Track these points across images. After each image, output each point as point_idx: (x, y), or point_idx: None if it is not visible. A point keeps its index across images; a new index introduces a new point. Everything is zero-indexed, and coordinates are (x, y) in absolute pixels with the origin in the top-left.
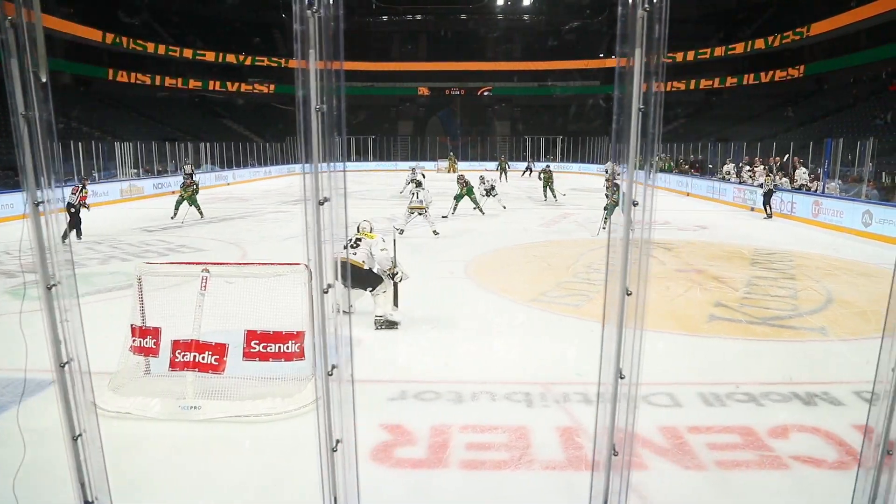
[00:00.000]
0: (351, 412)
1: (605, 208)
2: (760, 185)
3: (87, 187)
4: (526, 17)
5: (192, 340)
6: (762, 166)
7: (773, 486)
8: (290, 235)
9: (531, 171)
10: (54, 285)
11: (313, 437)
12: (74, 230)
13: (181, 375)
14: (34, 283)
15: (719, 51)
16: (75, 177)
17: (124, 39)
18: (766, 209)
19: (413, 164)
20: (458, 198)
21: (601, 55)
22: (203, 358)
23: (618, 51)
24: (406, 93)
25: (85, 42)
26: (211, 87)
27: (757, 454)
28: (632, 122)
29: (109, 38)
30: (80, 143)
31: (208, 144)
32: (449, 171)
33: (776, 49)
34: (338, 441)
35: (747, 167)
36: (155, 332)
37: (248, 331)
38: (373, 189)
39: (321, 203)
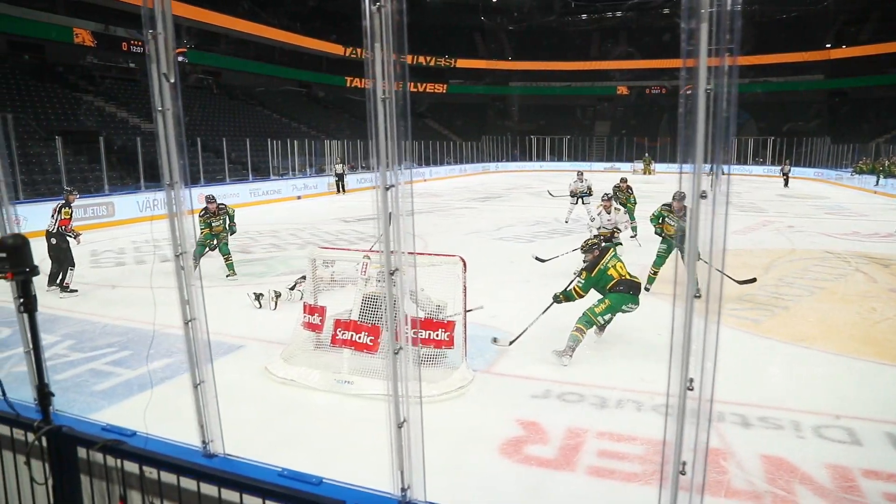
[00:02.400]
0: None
1: None
2: None
3: (72, 206)
4: (737, 7)
5: (350, 321)
6: None
7: None
8: (472, 230)
9: (787, 178)
10: (395, 270)
11: (445, 425)
12: (60, 272)
13: (340, 351)
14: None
15: None
16: (307, 168)
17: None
18: None
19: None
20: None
21: (828, 45)
22: (359, 338)
23: None
24: (604, 92)
25: (316, 53)
26: (413, 89)
27: None
28: None
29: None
30: (294, 141)
31: (408, 142)
32: (644, 174)
33: None
34: (684, 463)
35: None
36: (321, 311)
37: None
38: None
39: (702, 196)
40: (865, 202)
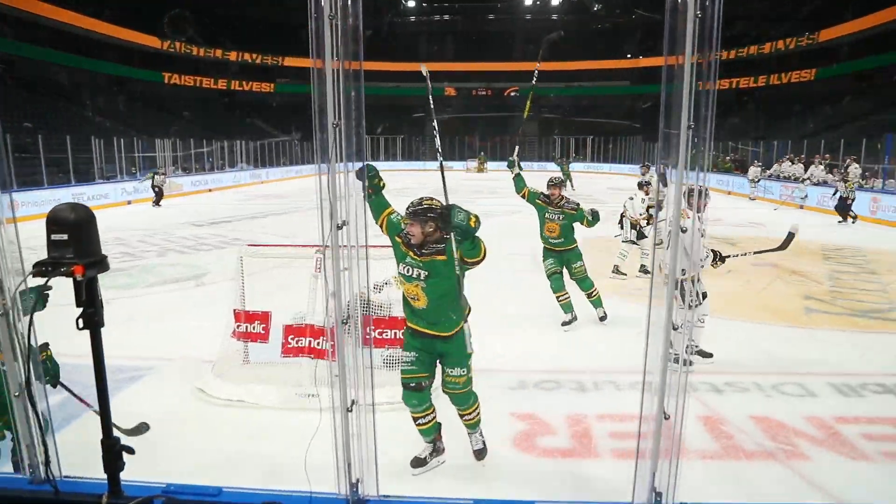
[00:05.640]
0: None
1: None
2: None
3: None
4: (554, 16)
5: (306, 325)
6: (821, 165)
7: None
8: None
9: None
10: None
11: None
12: None
13: (287, 363)
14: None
15: (753, 49)
16: (120, 174)
17: (158, 41)
18: (844, 215)
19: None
20: None
21: (628, 55)
22: (319, 343)
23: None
24: (433, 93)
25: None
26: (238, 87)
27: None
28: None
29: (148, 40)
30: (121, 140)
31: (242, 143)
32: (478, 172)
33: (809, 48)
34: None
35: (789, 162)
36: (264, 317)
37: (364, 315)
38: (409, 187)
39: None
40: None
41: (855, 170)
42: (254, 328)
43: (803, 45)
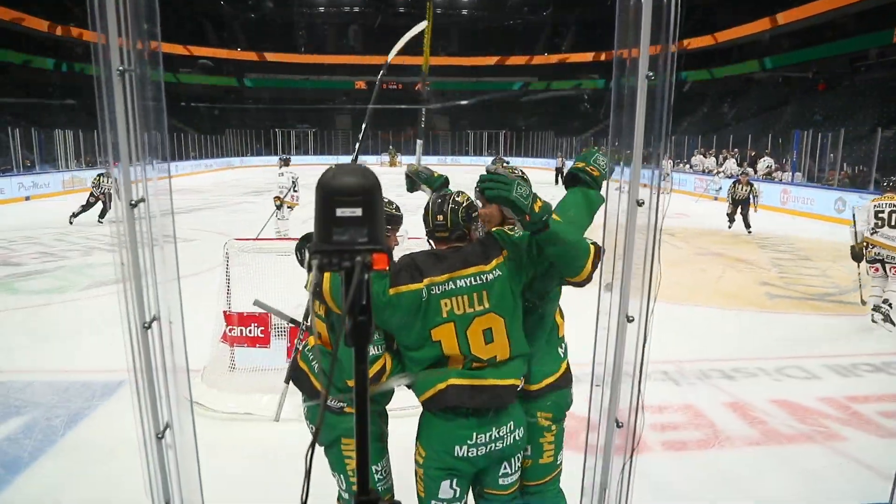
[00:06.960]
0: None
1: None
2: (729, 176)
3: None
4: (465, 11)
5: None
6: (733, 159)
7: None
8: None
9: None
10: None
11: None
12: None
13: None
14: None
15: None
16: (15, 167)
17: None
18: (732, 220)
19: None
20: None
21: (545, 53)
22: (249, 331)
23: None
24: (343, 86)
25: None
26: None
27: None
28: None
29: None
30: (16, 131)
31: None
32: (391, 166)
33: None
34: None
35: (702, 156)
36: (262, 320)
37: None
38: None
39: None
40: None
41: (764, 163)
42: (250, 331)
43: (702, 46)
